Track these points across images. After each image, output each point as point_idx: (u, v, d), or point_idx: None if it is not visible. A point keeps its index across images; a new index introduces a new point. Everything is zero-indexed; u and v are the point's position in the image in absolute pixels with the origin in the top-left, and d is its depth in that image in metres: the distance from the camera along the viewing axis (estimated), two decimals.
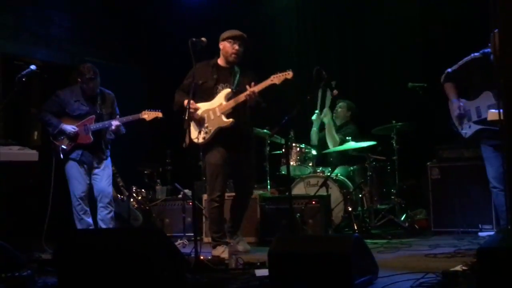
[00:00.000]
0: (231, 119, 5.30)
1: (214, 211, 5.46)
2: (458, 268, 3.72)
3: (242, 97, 5.27)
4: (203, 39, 4.82)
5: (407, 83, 6.52)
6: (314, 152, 7.05)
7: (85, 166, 5.89)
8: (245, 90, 5.26)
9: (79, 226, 5.82)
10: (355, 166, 7.07)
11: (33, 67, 5.23)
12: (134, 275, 3.65)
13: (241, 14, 8.44)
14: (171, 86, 5.71)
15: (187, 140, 5.27)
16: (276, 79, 5.22)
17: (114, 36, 8.89)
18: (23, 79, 5.18)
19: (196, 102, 5.36)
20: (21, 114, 7.69)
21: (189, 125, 5.29)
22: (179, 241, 6.23)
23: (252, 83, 5.24)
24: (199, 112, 5.38)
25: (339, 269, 3.40)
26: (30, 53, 7.55)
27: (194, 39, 4.80)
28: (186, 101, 5.23)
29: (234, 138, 5.37)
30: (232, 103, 5.31)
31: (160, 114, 5.92)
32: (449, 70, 5.29)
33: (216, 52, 5.52)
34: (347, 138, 6.77)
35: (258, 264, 4.50)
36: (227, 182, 5.68)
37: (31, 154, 6.07)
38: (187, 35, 4.86)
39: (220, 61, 5.53)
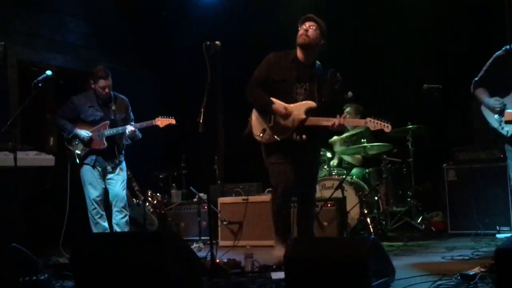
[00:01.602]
0: (303, 136, 4.85)
1: (279, 217, 4.97)
2: (476, 270, 3.68)
3: (323, 122, 4.80)
4: (217, 42, 4.79)
5: (422, 85, 6.49)
6: (329, 154, 7.03)
7: (99, 170, 5.92)
8: (327, 99, 4.88)
9: (94, 230, 5.85)
10: (370, 169, 7.05)
11: (49, 73, 5.27)
12: (150, 279, 3.66)
13: (254, 20, 8.46)
14: (185, 92, 5.72)
15: (247, 131, 5.01)
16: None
17: (128, 42, 8.95)
18: (39, 85, 5.21)
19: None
20: (37, 119, 7.76)
21: (252, 116, 5.02)
22: (194, 245, 6.25)
23: (343, 115, 4.79)
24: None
25: (355, 271, 3.39)
26: (45, 59, 7.61)
27: (208, 42, 4.79)
28: (279, 106, 4.81)
29: (300, 146, 4.93)
30: (311, 121, 4.83)
31: (173, 121, 5.92)
32: (476, 78, 5.20)
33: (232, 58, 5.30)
34: (362, 140, 6.73)
35: (274, 267, 4.49)
36: (293, 186, 4.99)
37: (48, 159, 6.13)
38: (200, 41, 4.86)
39: (299, 54, 4.97)
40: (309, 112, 4.87)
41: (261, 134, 4.96)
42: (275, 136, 4.90)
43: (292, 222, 5.07)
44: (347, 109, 7.19)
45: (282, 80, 4.93)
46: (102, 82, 5.85)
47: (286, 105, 4.86)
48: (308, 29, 4.90)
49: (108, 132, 5.87)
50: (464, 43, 7.23)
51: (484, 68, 5.06)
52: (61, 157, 6.19)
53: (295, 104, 4.89)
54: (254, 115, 5.08)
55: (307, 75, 4.95)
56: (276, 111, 4.86)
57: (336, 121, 4.74)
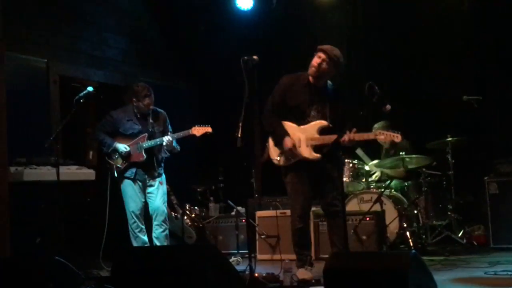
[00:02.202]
0: (318, 155, 5.00)
1: (295, 233, 5.11)
2: None
3: (336, 138, 4.88)
4: (254, 57, 4.82)
5: (462, 96, 6.41)
6: (367, 168, 6.98)
7: (140, 184, 5.99)
8: (339, 117, 5.02)
9: (134, 244, 5.91)
10: (409, 182, 6.96)
11: (90, 88, 5.38)
12: None
13: (291, 32, 8.48)
14: (223, 105, 5.74)
15: (266, 156, 5.21)
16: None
17: (166, 56, 9.07)
18: (81, 101, 5.32)
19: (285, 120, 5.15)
20: (77, 134, 7.90)
21: (268, 142, 5.21)
22: (232, 259, 6.26)
23: (354, 130, 4.86)
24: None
25: (396, 286, 3.34)
26: (86, 75, 7.76)
27: (246, 57, 4.82)
28: (288, 141, 5.00)
29: (315, 162, 5.06)
30: (324, 140, 4.98)
31: (209, 129, 5.95)
32: None
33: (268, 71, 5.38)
34: (401, 153, 6.64)
35: (313, 281, 4.47)
36: (310, 203, 5.19)
37: (89, 174, 6.24)
38: (238, 54, 4.89)
39: (311, 79, 5.14)
40: (322, 131, 5.03)
41: (278, 158, 5.14)
42: (291, 159, 5.05)
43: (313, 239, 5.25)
44: (376, 128, 7.15)
45: (296, 105, 5.10)
46: (147, 101, 5.94)
47: (291, 131, 5.04)
48: (321, 62, 5.05)
49: (147, 144, 5.94)
50: (505, 53, 7.12)
51: None
52: (102, 171, 6.29)
53: (309, 125, 5.07)
54: (271, 140, 5.24)
55: (319, 97, 5.10)
56: (286, 143, 5.01)
57: (346, 137, 4.85)
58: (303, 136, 5.05)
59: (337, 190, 5.11)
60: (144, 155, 5.94)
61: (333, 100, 5.12)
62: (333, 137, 4.92)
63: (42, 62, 7.13)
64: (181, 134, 5.97)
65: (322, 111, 5.08)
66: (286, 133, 5.07)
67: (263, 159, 5.28)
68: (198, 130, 5.93)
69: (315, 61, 5.08)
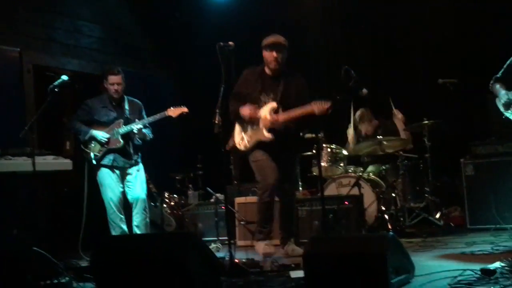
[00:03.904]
0: (270, 135, 5.28)
1: (262, 206, 5.37)
2: (497, 264, 3.66)
3: (294, 113, 5.21)
4: (230, 43, 4.82)
5: (437, 79, 6.45)
6: (345, 152, 7.01)
7: (118, 172, 5.95)
8: (291, 101, 5.27)
9: (114, 233, 5.88)
10: (387, 165, 7.01)
11: (64, 77, 5.31)
12: (170, 280, 3.68)
13: (268, 17, 8.46)
14: (201, 93, 5.73)
15: (230, 143, 5.42)
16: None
17: (143, 45, 9.00)
18: (56, 90, 5.26)
19: None
20: (53, 124, 7.82)
21: (233, 130, 5.44)
22: (212, 245, 6.26)
23: (280, 111, 5.25)
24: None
25: (375, 268, 3.38)
26: (61, 64, 7.67)
27: (221, 43, 4.81)
28: (245, 109, 5.30)
29: (275, 144, 5.33)
30: (282, 116, 5.26)
31: (185, 109, 5.90)
32: (497, 75, 5.21)
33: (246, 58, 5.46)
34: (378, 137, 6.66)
35: (293, 265, 4.49)
36: (279, 178, 5.37)
37: (66, 163, 6.18)
38: (215, 42, 4.87)
39: (266, 69, 5.47)
40: (275, 112, 5.29)
41: (240, 142, 5.45)
42: (251, 138, 5.38)
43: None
44: (358, 113, 7.18)
45: (248, 93, 5.41)
46: (111, 79, 5.90)
47: (253, 107, 5.32)
48: (277, 56, 5.33)
49: (122, 130, 5.89)
50: (480, 37, 7.18)
51: (505, 66, 5.05)
52: (78, 161, 6.24)
53: (262, 108, 5.33)
54: (236, 127, 5.52)
55: (271, 84, 5.40)
56: (243, 113, 5.31)
57: (272, 118, 5.23)
58: (258, 119, 5.32)
59: (294, 176, 5.59)
60: (121, 140, 5.90)
61: (286, 84, 5.37)
62: (292, 110, 5.19)
63: (15, 51, 7.03)
64: (157, 116, 5.92)
65: (273, 96, 5.35)
66: (239, 107, 5.33)
67: (228, 146, 5.49)
68: (173, 111, 5.88)
69: (270, 57, 5.34)
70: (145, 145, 6.16)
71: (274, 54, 5.32)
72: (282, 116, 5.24)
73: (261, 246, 5.31)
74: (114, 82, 5.91)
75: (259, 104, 5.36)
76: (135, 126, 5.86)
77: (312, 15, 8.59)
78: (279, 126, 5.28)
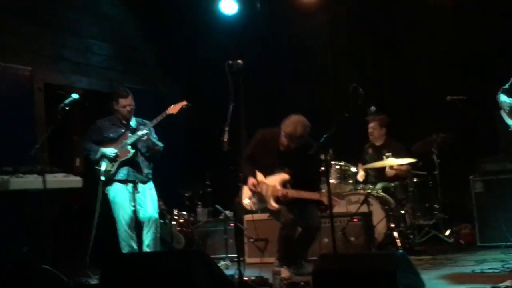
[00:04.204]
0: (277, 206, 5.42)
1: (282, 240, 5.43)
2: (508, 283, 3.64)
3: (303, 195, 5.35)
4: (239, 61, 4.85)
5: (446, 96, 6.46)
6: (353, 169, 7.00)
7: (130, 188, 5.92)
8: (302, 174, 5.37)
9: (124, 252, 5.87)
10: (396, 182, 6.99)
11: (75, 95, 5.36)
12: None
13: (275, 35, 8.53)
14: (209, 111, 5.74)
15: (238, 199, 5.53)
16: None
17: (152, 63, 9.08)
18: (66, 108, 5.30)
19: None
20: (64, 141, 7.87)
21: (242, 189, 5.50)
22: (222, 263, 6.25)
23: (287, 190, 5.36)
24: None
25: (384, 286, 3.37)
26: (71, 82, 7.73)
27: (230, 61, 4.84)
28: (251, 181, 5.46)
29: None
30: (292, 194, 5.37)
31: (184, 103, 5.89)
32: (504, 86, 5.23)
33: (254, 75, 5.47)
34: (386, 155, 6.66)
35: (302, 283, 4.49)
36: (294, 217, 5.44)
37: (76, 181, 6.21)
38: (223, 58, 4.91)
39: (282, 144, 5.50)
40: (285, 184, 5.43)
41: (247, 203, 5.58)
42: (259, 203, 5.54)
43: None
44: (371, 124, 7.17)
45: (263, 164, 5.54)
46: (122, 101, 5.93)
47: (260, 180, 5.49)
48: (288, 145, 5.40)
49: (130, 139, 5.89)
50: (489, 53, 7.18)
51: None
52: (89, 178, 6.26)
53: (273, 176, 5.49)
54: (245, 188, 5.57)
55: (285, 159, 5.47)
56: (249, 184, 5.47)
57: (281, 192, 5.36)
58: (266, 184, 5.49)
59: (317, 213, 5.61)
60: (131, 150, 5.90)
61: (299, 160, 5.40)
62: (302, 192, 5.34)
63: (26, 70, 7.10)
64: (159, 117, 5.89)
65: (286, 169, 5.45)
66: (251, 175, 5.50)
67: (237, 200, 5.57)
68: (174, 108, 5.87)
69: (283, 141, 5.41)
70: (157, 156, 6.12)
71: (287, 142, 5.39)
72: (292, 194, 5.36)
73: (287, 272, 5.24)
74: (126, 104, 5.95)
75: (273, 173, 5.50)
76: (142, 132, 5.86)
77: (318, 31, 8.64)
78: (288, 200, 5.39)
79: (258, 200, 5.55)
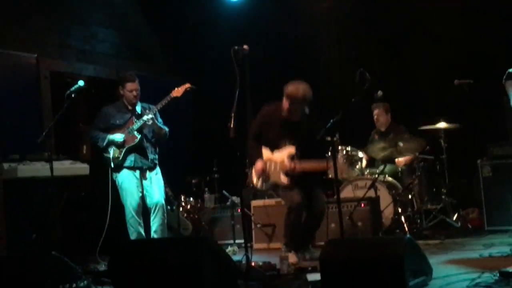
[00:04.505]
0: (287, 180, 5.39)
1: (289, 224, 5.42)
2: None
3: (310, 166, 5.33)
4: (245, 47, 4.83)
5: (454, 80, 6.42)
6: (360, 154, 6.99)
7: (137, 174, 5.93)
8: (309, 147, 5.35)
9: (132, 238, 5.90)
10: (403, 167, 6.98)
11: (81, 83, 5.36)
12: (186, 283, 3.70)
13: (281, 21, 8.48)
14: (216, 97, 5.72)
15: (249, 180, 5.63)
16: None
17: (158, 50, 9.06)
18: (72, 95, 5.31)
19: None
20: (70, 129, 7.89)
21: (252, 169, 5.59)
22: (229, 248, 6.27)
23: (296, 162, 5.32)
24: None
25: (392, 271, 3.37)
26: (77, 69, 7.73)
27: (236, 47, 4.82)
28: (258, 165, 5.46)
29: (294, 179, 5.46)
30: (300, 167, 5.34)
31: (188, 85, 5.90)
32: (510, 70, 5.18)
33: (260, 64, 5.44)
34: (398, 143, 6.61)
35: (310, 268, 4.50)
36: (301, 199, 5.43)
37: (82, 168, 6.24)
38: (229, 46, 4.89)
39: (285, 114, 5.50)
40: (292, 158, 5.39)
41: (257, 182, 5.57)
42: (268, 179, 5.51)
43: None
44: (376, 112, 7.16)
45: (269, 138, 5.53)
46: (129, 86, 5.92)
47: (267, 157, 5.48)
48: (290, 108, 5.36)
49: (136, 125, 5.89)
50: (496, 37, 7.12)
51: None
52: (95, 165, 6.28)
53: (280, 151, 5.47)
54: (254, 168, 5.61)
55: (290, 130, 5.46)
56: (256, 166, 5.49)
57: (289, 166, 5.34)
58: (274, 160, 5.47)
59: (318, 198, 5.56)
60: (138, 135, 5.91)
61: (304, 132, 5.41)
62: (309, 164, 5.31)
63: (32, 58, 7.11)
64: (163, 101, 5.88)
65: (292, 142, 5.45)
66: (258, 158, 5.49)
67: (246, 183, 5.65)
68: (178, 91, 5.87)
69: (285, 105, 5.38)
70: (161, 146, 6.13)
71: (288, 105, 5.36)
72: (300, 167, 5.33)
73: (294, 258, 5.29)
74: (133, 89, 5.94)
75: (278, 148, 5.48)
76: (147, 117, 5.86)
77: (325, 17, 8.59)
78: (297, 173, 5.37)
79: (268, 178, 5.52)
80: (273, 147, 5.52)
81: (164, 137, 6.06)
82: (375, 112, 7.17)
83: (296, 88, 5.34)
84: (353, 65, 5.27)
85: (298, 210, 5.35)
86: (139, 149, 5.95)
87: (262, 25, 8.57)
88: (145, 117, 5.87)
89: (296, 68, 8.33)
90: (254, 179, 5.58)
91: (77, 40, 7.80)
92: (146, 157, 5.98)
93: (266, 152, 5.54)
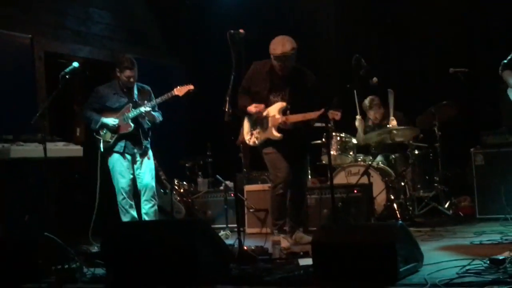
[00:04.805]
0: (279, 135, 5.32)
1: (276, 199, 5.41)
2: (506, 254, 3.65)
3: (302, 117, 5.23)
4: (241, 30, 4.82)
5: (449, 68, 6.42)
6: (354, 141, 7.00)
7: (128, 158, 5.97)
8: (300, 100, 5.28)
9: (124, 220, 5.93)
10: (396, 154, 6.99)
11: (75, 64, 5.32)
12: (179, 266, 3.71)
13: (278, 5, 8.44)
14: (211, 81, 5.72)
15: (240, 138, 5.49)
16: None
17: (154, 32, 9.00)
18: (66, 77, 5.27)
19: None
20: (64, 110, 7.86)
21: (242, 125, 5.48)
22: (222, 233, 6.29)
23: (288, 114, 5.26)
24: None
25: (383, 257, 3.39)
26: (72, 51, 7.69)
27: (232, 31, 4.81)
28: (251, 107, 5.35)
29: (285, 141, 5.38)
30: (292, 119, 5.28)
31: (191, 87, 5.93)
32: (505, 60, 5.19)
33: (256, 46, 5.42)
34: (388, 126, 6.65)
35: (301, 253, 4.52)
36: (290, 172, 5.41)
37: (76, 150, 6.22)
38: (226, 29, 4.87)
39: (275, 66, 5.38)
40: (284, 111, 5.31)
41: (249, 137, 5.48)
42: (260, 135, 5.41)
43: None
44: (371, 113, 7.14)
45: (256, 91, 5.42)
46: (127, 72, 5.91)
47: (260, 106, 5.35)
48: (282, 65, 5.26)
49: (132, 113, 5.91)
50: (492, 25, 7.12)
51: None
52: (89, 147, 6.28)
53: (272, 107, 5.36)
54: (245, 124, 5.54)
55: (279, 82, 5.37)
56: (250, 111, 5.37)
57: (281, 120, 5.25)
58: (266, 115, 5.36)
59: (306, 171, 5.62)
60: (132, 124, 5.92)
61: (295, 83, 5.34)
62: (301, 115, 5.22)
63: (26, 38, 7.06)
64: (164, 97, 5.94)
65: (281, 95, 5.36)
66: (247, 105, 5.39)
67: (238, 142, 5.58)
68: (180, 90, 5.91)
69: (277, 65, 5.28)
70: (155, 130, 6.16)
71: (281, 64, 5.27)
72: (292, 118, 5.26)
73: (286, 242, 5.28)
74: (131, 75, 5.93)
75: (267, 103, 5.39)
76: (144, 109, 5.88)
77: (322, 2, 8.55)
78: (289, 127, 5.31)
79: (259, 134, 5.44)
80: (263, 101, 5.39)
81: (157, 125, 6.09)
82: (371, 114, 7.17)
83: (282, 45, 5.22)
84: (350, 52, 5.24)
85: (282, 185, 5.33)
86: (130, 137, 5.97)
87: (260, 7, 8.53)
88: (142, 109, 5.87)
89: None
90: (246, 136, 5.52)
91: (72, 21, 7.75)
92: (138, 144, 6.00)
93: None
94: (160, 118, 6.08)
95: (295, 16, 8.54)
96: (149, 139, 6.12)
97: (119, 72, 5.96)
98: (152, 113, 5.97)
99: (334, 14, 8.53)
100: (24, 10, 7.07)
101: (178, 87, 5.91)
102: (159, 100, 5.96)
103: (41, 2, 7.32)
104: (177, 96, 5.92)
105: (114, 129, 5.92)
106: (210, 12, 8.85)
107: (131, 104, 5.97)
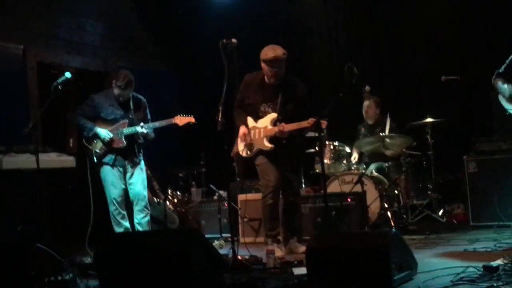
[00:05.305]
0: (271, 146, 5.39)
1: (267, 208, 5.45)
2: (500, 261, 3.66)
3: (296, 126, 5.28)
4: (233, 40, 4.82)
5: (441, 77, 6.45)
6: (348, 149, 7.01)
7: (119, 169, 5.95)
8: (290, 111, 5.35)
9: (117, 230, 5.89)
10: (390, 162, 7.00)
11: (68, 74, 5.32)
12: (173, 276, 3.69)
13: (272, 11, 8.47)
14: (204, 90, 5.73)
15: (234, 150, 5.55)
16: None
17: (146, 41, 9.02)
18: (59, 87, 5.27)
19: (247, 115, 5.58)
20: (57, 121, 7.84)
21: (236, 137, 5.54)
22: (216, 242, 6.27)
23: (283, 124, 5.28)
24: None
25: (377, 265, 3.39)
26: (64, 61, 7.69)
27: (224, 40, 4.82)
28: (241, 130, 5.47)
29: (277, 150, 5.43)
30: (274, 130, 5.34)
31: (192, 119, 5.93)
32: (499, 70, 5.22)
33: (249, 54, 5.47)
34: (381, 134, 6.67)
35: (296, 262, 4.51)
36: (281, 183, 5.48)
37: (69, 161, 6.20)
38: (219, 37, 4.88)
39: (266, 79, 5.47)
40: (275, 122, 5.38)
41: (242, 149, 5.55)
42: (252, 146, 5.49)
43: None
44: (367, 104, 7.16)
45: (249, 103, 5.53)
46: (118, 91, 5.86)
47: (251, 126, 5.50)
48: (275, 71, 5.31)
49: (127, 131, 5.89)
50: (483, 34, 7.16)
51: (507, 61, 5.05)
52: (82, 158, 6.25)
53: (264, 118, 5.46)
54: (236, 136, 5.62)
55: (270, 94, 5.45)
56: (240, 132, 5.50)
57: (278, 128, 5.28)
58: (258, 127, 5.46)
59: (298, 176, 5.66)
60: (125, 141, 5.90)
61: (286, 93, 5.40)
62: (294, 124, 5.26)
63: (19, 49, 7.05)
64: (163, 122, 5.92)
65: (272, 107, 5.44)
66: (242, 124, 5.51)
67: (232, 153, 5.61)
68: (180, 120, 5.90)
69: (268, 71, 5.34)
70: (147, 143, 6.14)
71: (273, 70, 5.32)
72: (288, 127, 5.30)
73: (279, 251, 5.28)
74: (121, 95, 5.90)
75: (259, 114, 5.48)
76: (140, 130, 5.85)
77: (315, 10, 8.59)
78: (285, 135, 5.34)
79: (250, 147, 5.52)
80: (255, 113, 5.50)
81: (150, 141, 6.07)
82: (366, 103, 7.14)
83: (273, 50, 5.30)
84: (343, 56, 5.26)
85: (273, 194, 5.38)
86: (121, 152, 5.94)
87: (253, 16, 8.56)
88: (138, 129, 5.86)
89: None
90: (240, 147, 5.57)
91: (64, 31, 7.75)
92: (129, 158, 5.97)
93: (250, 121, 5.55)
94: (153, 135, 6.04)
95: (287, 24, 8.58)
96: (141, 152, 6.08)
97: (114, 85, 5.92)
98: (146, 131, 5.93)
99: (326, 22, 8.56)
100: (16, 20, 7.08)
101: (179, 116, 5.90)
102: (157, 124, 5.94)
103: (33, 12, 7.33)
104: (176, 124, 5.91)
105: (106, 142, 5.89)
106: (203, 20, 8.87)
107: (127, 121, 5.93)
